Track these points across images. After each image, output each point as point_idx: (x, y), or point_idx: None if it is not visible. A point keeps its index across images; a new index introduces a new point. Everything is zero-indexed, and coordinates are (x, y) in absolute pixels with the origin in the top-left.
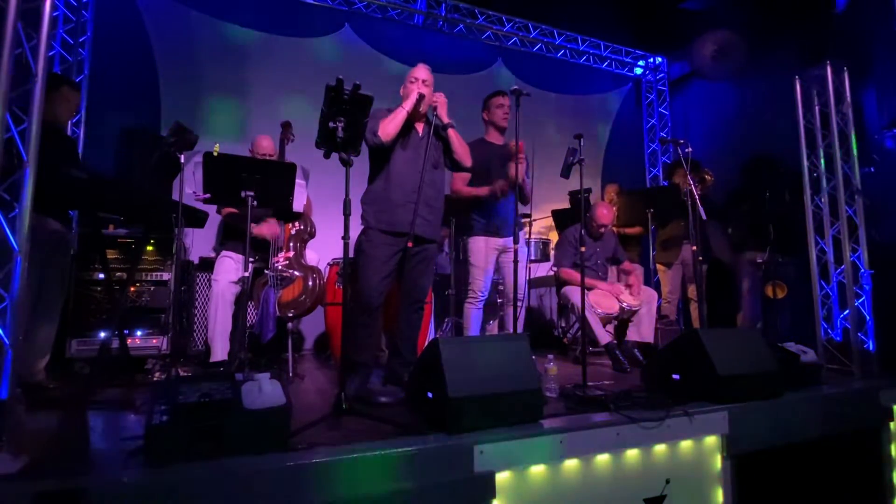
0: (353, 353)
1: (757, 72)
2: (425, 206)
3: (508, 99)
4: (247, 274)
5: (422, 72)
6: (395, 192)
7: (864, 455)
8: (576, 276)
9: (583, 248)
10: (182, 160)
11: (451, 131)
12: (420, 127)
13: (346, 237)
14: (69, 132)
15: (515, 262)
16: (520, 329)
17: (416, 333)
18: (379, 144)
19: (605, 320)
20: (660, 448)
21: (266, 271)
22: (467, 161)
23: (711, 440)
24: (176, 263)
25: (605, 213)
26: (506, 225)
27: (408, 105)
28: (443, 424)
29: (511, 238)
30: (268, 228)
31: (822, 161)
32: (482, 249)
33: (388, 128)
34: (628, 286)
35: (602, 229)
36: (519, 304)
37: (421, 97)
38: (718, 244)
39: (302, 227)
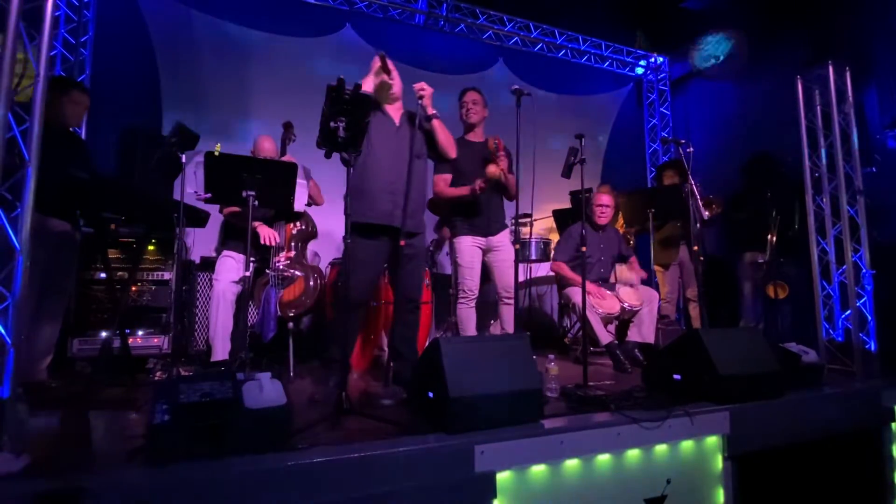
0: (332, 348)
1: (758, 71)
2: (406, 196)
3: (472, 94)
4: (248, 274)
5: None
6: (372, 183)
7: (865, 456)
8: (567, 271)
9: (584, 248)
10: (183, 160)
11: (435, 122)
12: (396, 116)
13: (346, 237)
14: None
15: (517, 261)
16: (511, 328)
17: (414, 333)
18: None
19: (606, 320)
20: (661, 448)
21: (267, 271)
22: (452, 152)
23: (712, 440)
24: (177, 263)
25: (605, 197)
26: (489, 223)
27: (371, 76)
28: (443, 424)
29: (495, 237)
30: (262, 230)
31: (824, 161)
32: (467, 249)
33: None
34: (629, 284)
35: (602, 211)
36: (510, 302)
37: (382, 59)
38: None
39: (303, 227)
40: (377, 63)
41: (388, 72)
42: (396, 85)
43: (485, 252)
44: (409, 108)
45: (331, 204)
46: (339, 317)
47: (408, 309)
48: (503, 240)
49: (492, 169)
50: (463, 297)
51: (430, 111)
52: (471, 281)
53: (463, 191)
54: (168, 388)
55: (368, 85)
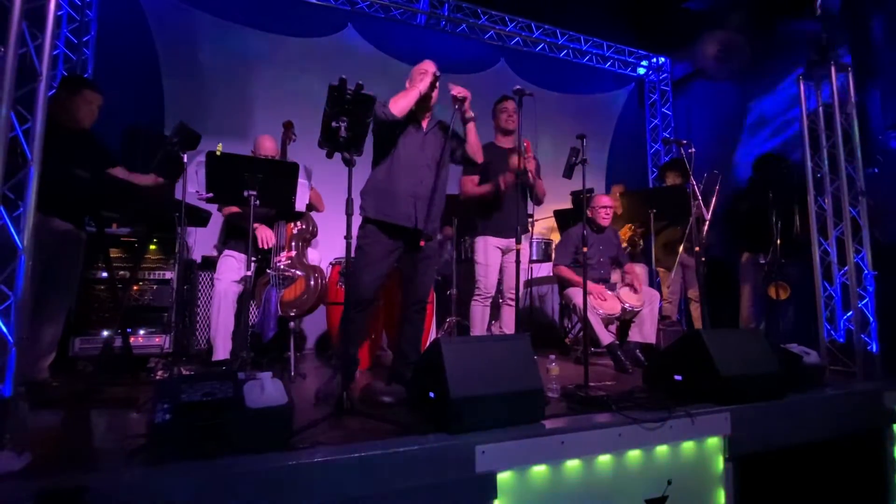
0: (339, 345)
1: (760, 71)
2: (429, 201)
3: (512, 102)
4: (249, 273)
5: (431, 65)
6: (397, 184)
7: (867, 457)
8: (570, 274)
9: (585, 249)
10: (185, 159)
11: (471, 125)
12: (425, 123)
13: (348, 236)
14: None
15: (518, 262)
16: (512, 327)
17: (419, 333)
18: (392, 118)
19: (607, 321)
20: (661, 449)
21: (268, 270)
22: (479, 157)
23: (713, 441)
24: (179, 262)
25: (606, 199)
26: (510, 226)
27: (422, 86)
28: (444, 424)
29: (515, 239)
30: (260, 233)
31: (826, 162)
32: (488, 248)
33: (401, 103)
34: (629, 285)
35: (607, 212)
36: (512, 303)
37: (435, 79)
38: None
39: (304, 227)
40: (430, 77)
41: (433, 89)
42: (434, 98)
43: (503, 253)
44: (437, 116)
45: (333, 204)
46: (347, 315)
47: (415, 309)
48: (522, 244)
49: (514, 160)
50: (478, 295)
51: (469, 114)
52: (488, 279)
53: (489, 187)
54: (169, 387)
55: (414, 94)
